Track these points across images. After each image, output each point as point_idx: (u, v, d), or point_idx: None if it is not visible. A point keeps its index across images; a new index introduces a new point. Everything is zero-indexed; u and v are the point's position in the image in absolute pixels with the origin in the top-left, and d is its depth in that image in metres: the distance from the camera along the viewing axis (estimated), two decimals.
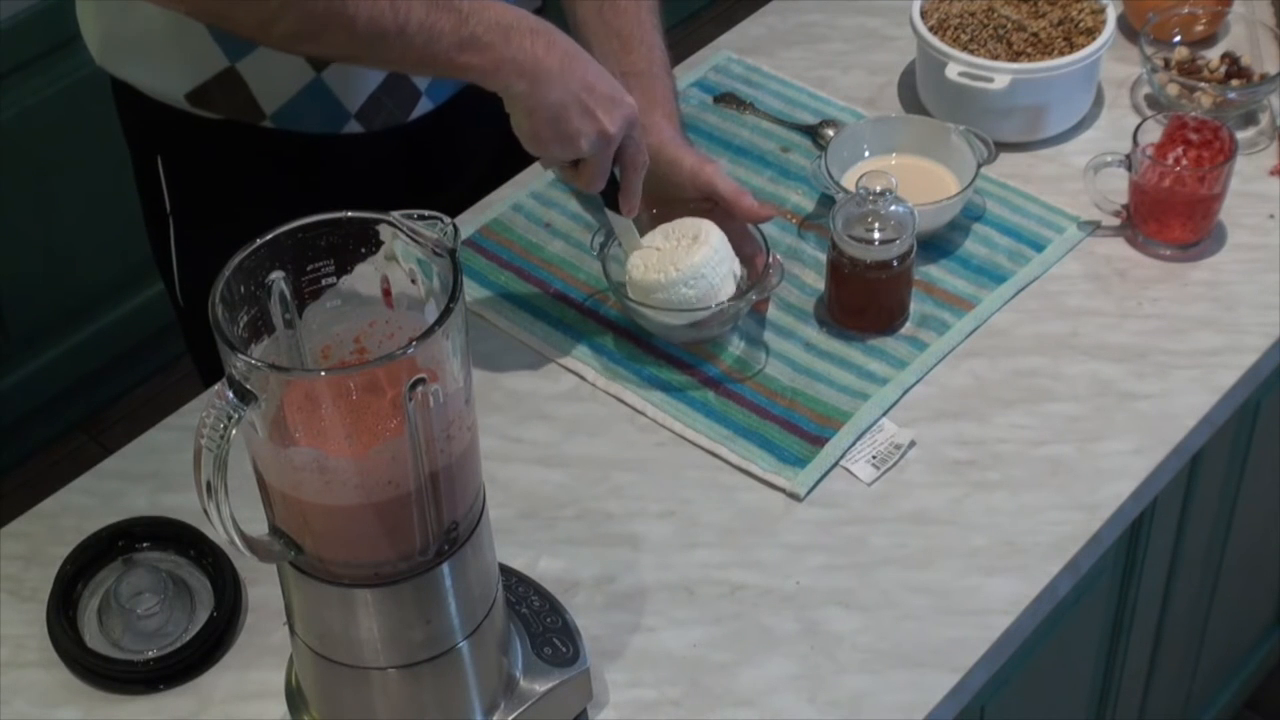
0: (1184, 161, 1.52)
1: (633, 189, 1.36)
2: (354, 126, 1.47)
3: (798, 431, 1.38)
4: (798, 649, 1.24)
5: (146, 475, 1.37)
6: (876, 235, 1.42)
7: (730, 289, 1.40)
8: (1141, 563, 1.58)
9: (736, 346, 1.45)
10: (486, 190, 1.62)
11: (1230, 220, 1.56)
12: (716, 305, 1.39)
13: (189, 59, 1.42)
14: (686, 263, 1.38)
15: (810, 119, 1.69)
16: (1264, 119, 1.66)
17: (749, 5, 1.90)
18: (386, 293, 1.04)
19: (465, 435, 1.03)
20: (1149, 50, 1.67)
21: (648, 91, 1.44)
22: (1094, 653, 1.64)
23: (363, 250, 1.03)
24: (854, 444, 1.37)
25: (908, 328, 1.47)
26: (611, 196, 1.38)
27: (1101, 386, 1.42)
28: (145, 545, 1.30)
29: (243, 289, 0.99)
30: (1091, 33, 1.62)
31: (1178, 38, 1.71)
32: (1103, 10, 1.65)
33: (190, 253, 1.56)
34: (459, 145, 1.58)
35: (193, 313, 1.58)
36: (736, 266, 1.42)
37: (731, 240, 1.42)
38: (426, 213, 1.01)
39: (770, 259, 1.43)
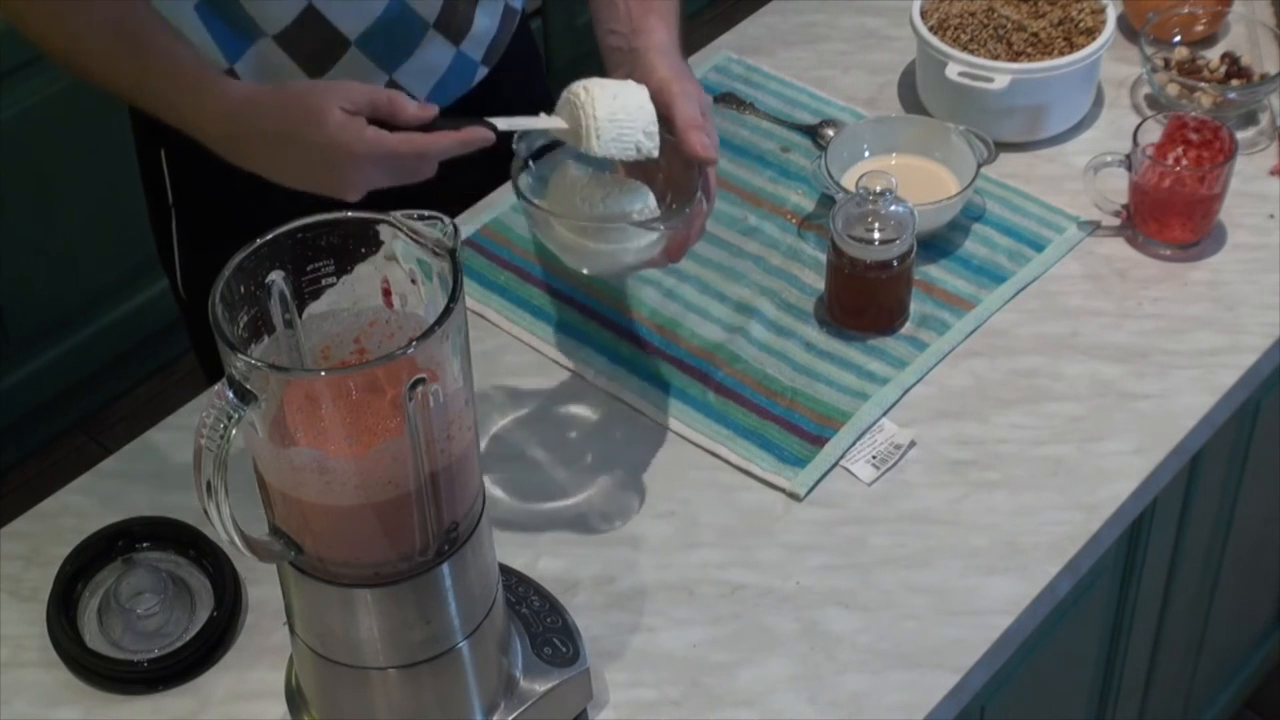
0: (1184, 161, 1.52)
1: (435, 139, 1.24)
2: None
3: (798, 431, 1.38)
4: (798, 649, 1.24)
5: (146, 475, 1.37)
6: (876, 235, 1.42)
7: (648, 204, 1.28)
8: (1141, 563, 1.58)
9: (737, 346, 1.45)
10: (487, 190, 1.62)
11: (1230, 220, 1.56)
12: (623, 225, 1.26)
13: None
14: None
15: (810, 119, 1.69)
16: (1264, 119, 1.66)
17: (749, 5, 1.90)
18: (386, 293, 1.04)
19: (465, 435, 1.03)
20: (1149, 50, 1.67)
21: None
22: (1094, 653, 1.64)
23: (363, 250, 1.03)
24: (854, 444, 1.37)
25: (908, 328, 1.47)
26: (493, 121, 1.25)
27: (1101, 386, 1.42)
28: (145, 545, 1.30)
29: (243, 289, 0.99)
30: (1091, 33, 1.62)
31: (1178, 38, 1.71)
32: (1103, 10, 1.65)
33: (192, 246, 1.56)
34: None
35: (194, 305, 1.58)
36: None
37: (674, 171, 1.29)
38: (426, 213, 1.01)
39: (698, 204, 1.27)
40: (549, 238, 1.29)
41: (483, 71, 1.53)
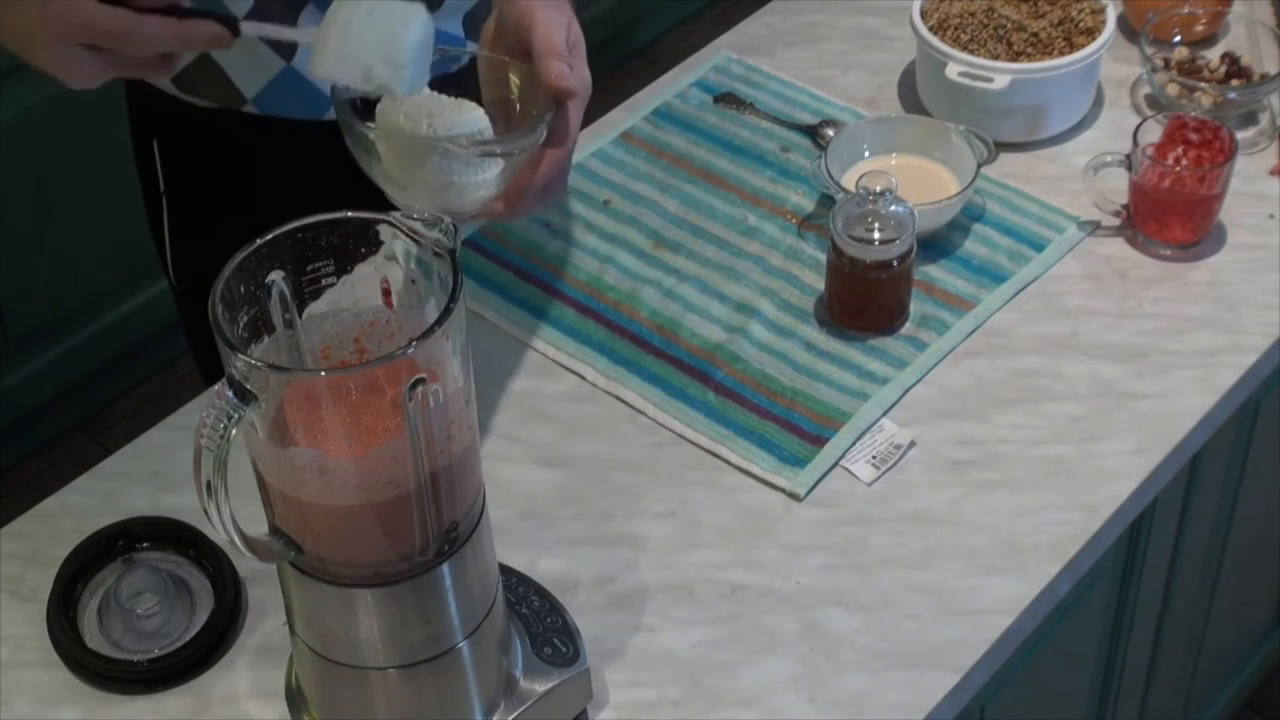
0: (1184, 161, 1.52)
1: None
2: None
3: (798, 431, 1.38)
4: (798, 649, 1.24)
5: (146, 475, 1.37)
6: (876, 235, 1.42)
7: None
8: (1141, 563, 1.58)
9: (737, 346, 1.45)
10: None
11: (1230, 220, 1.56)
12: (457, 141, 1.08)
13: None
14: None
15: (810, 119, 1.69)
16: (1264, 119, 1.66)
17: (749, 5, 1.90)
18: (386, 293, 1.04)
19: (465, 435, 1.03)
20: (1149, 50, 1.67)
21: None
22: (1094, 653, 1.65)
23: (363, 250, 1.03)
24: (854, 444, 1.37)
25: (908, 328, 1.47)
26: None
27: (1101, 386, 1.42)
28: (145, 545, 1.30)
29: (243, 289, 0.99)
30: (1091, 33, 1.62)
31: (1178, 38, 1.71)
32: (1103, 10, 1.65)
33: (183, 234, 1.57)
34: None
35: (184, 292, 1.59)
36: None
37: (534, 109, 1.13)
38: (426, 213, 1.01)
39: (538, 136, 1.11)
40: (371, 168, 1.09)
41: (472, 46, 1.43)
